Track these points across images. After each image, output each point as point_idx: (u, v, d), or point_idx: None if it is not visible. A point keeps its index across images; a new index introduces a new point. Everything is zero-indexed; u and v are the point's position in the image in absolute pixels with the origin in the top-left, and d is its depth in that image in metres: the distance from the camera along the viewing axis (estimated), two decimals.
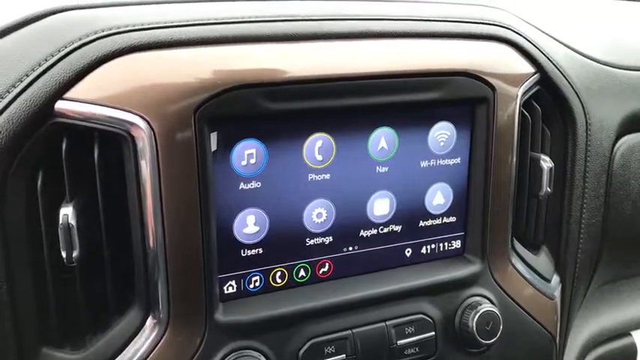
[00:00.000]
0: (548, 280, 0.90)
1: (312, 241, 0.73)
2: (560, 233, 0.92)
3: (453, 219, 0.81)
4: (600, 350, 1.12)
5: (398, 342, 0.75)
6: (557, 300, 0.91)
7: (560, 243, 0.92)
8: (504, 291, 0.83)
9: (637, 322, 1.16)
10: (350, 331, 0.73)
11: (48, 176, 0.63)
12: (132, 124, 0.61)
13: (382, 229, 0.76)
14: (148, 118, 0.61)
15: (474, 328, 0.77)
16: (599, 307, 1.13)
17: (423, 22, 0.75)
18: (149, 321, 0.66)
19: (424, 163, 0.77)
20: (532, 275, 0.87)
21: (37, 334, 0.65)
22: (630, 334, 1.15)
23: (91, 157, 0.63)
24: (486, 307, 0.78)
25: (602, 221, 0.97)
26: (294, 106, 0.67)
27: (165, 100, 0.61)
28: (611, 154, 0.95)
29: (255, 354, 0.68)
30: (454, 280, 0.79)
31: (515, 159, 0.81)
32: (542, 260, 0.91)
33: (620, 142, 0.97)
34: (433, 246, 0.80)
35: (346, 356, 0.72)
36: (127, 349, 0.66)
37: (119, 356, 0.66)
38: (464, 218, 0.81)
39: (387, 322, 0.75)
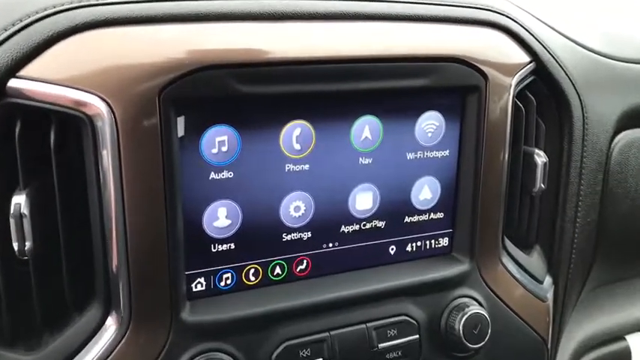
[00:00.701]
0: (541, 282, 0.86)
1: (288, 236, 0.68)
2: (553, 232, 0.88)
3: (440, 215, 0.76)
4: (594, 354, 1.08)
5: (379, 345, 0.70)
6: (550, 302, 0.87)
7: (554, 242, 0.88)
8: (494, 292, 0.78)
9: (632, 325, 1.12)
10: (328, 334, 0.68)
11: (0, 162, 0.58)
12: (90, 105, 0.56)
13: (365, 225, 0.72)
14: (108, 100, 0.56)
15: (461, 332, 0.72)
16: (593, 310, 1.09)
17: (412, 5, 0.70)
18: (109, 320, 0.61)
19: (410, 155, 0.72)
20: (523, 276, 0.83)
21: None
22: (625, 338, 1.11)
23: (47, 141, 0.58)
24: (474, 309, 0.73)
25: (597, 220, 0.93)
26: (269, 90, 0.62)
27: (128, 81, 0.57)
28: (609, 150, 0.91)
29: (225, 357, 0.63)
30: (440, 280, 0.74)
31: (507, 153, 0.76)
32: (535, 260, 0.87)
33: (618, 137, 0.93)
34: (419, 243, 0.76)
35: None
36: (85, 349, 0.61)
37: (76, 357, 0.61)
38: (452, 214, 0.76)
39: (368, 324, 0.70)
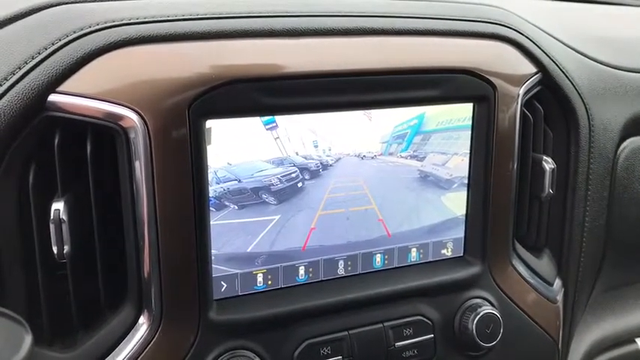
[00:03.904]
0: (551, 284, 0.89)
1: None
2: (562, 236, 0.91)
3: (454, 220, 0.79)
4: (604, 357, 1.10)
5: (396, 344, 0.73)
6: (560, 304, 0.90)
7: (563, 246, 0.91)
8: (505, 293, 0.81)
9: None
10: (347, 332, 0.71)
11: (40, 171, 0.62)
12: (125, 118, 0.60)
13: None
14: (141, 112, 0.60)
15: (474, 331, 0.75)
16: (603, 313, 1.11)
17: (425, 20, 0.74)
18: (141, 319, 0.65)
19: None
20: (534, 278, 0.86)
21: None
22: (635, 341, 1.13)
23: (84, 151, 0.62)
24: (486, 309, 0.76)
25: (605, 225, 0.96)
26: (291, 102, 0.66)
27: (159, 94, 0.61)
28: (615, 157, 0.94)
29: (250, 354, 0.67)
30: (454, 281, 0.77)
31: (516, 159, 0.79)
32: (545, 263, 0.90)
33: (624, 144, 0.96)
34: (433, 247, 0.79)
35: (342, 357, 0.71)
36: (118, 347, 0.64)
37: (110, 355, 0.64)
38: (464, 219, 0.80)
39: (385, 324, 0.73)
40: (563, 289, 0.92)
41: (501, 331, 0.77)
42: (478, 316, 0.75)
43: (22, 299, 0.63)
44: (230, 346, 0.67)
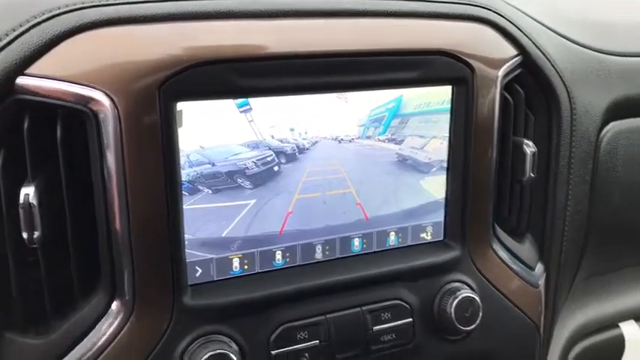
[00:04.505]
0: (532, 269, 0.88)
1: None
2: (544, 220, 0.91)
3: (433, 204, 0.79)
4: (587, 342, 1.10)
5: (374, 328, 0.73)
6: (542, 289, 0.89)
7: (545, 230, 0.91)
8: (485, 278, 0.81)
9: (625, 313, 1.14)
10: (324, 317, 0.71)
11: (10, 155, 0.61)
12: (94, 100, 0.59)
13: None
14: (111, 94, 0.59)
15: (452, 315, 0.75)
16: (586, 299, 1.11)
17: (402, 2, 0.73)
18: (114, 305, 0.64)
19: None
20: (515, 263, 0.85)
21: None
22: (618, 326, 1.13)
23: (54, 135, 0.61)
24: (465, 292, 0.76)
25: (588, 209, 0.95)
26: (265, 84, 0.65)
27: (129, 76, 0.60)
28: (597, 140, 0.93)
29: (225, 339, 0.66)
30: (433, 265, 0.77)
31: (496, 143, 0.79)
32: (526, 248, 0.89)
33: (606, 128, 0.95)
34: (412, 231, 0.78)
35: (320, 342, 0.70)
36: (91, 333, 0.64)
37: (83, 340, 0.64)
38: (444, 203, 0.79)
39: (363, 308, 0.73)
40: (545, 274, 0.92)
41: (480, 314, 0.76)
42: (457, 300, 0.75)
43: None
44: (205, 330, 0.66)
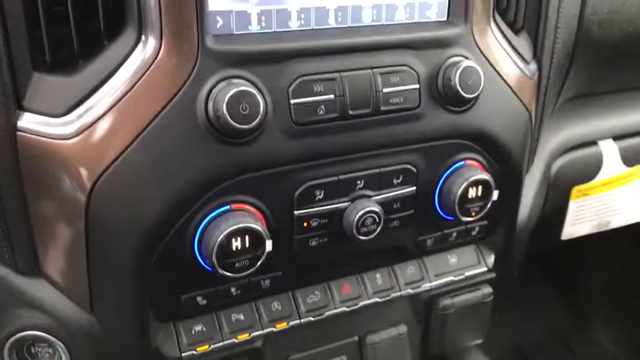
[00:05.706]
0: (527, 62, 0.93)
1: None
2: (538, 19, 0.95)
3: None
4: (569, 155, 1.17)
5: (384, 89, 0.77)
6: (535, 81, 0.94)
7: (539, 28, 0.95)
8: (485, 57, 0.85)
9: (604, 132, 1.21)
10: (338, 74, 0.74)
11: None
12: None
13: None
14: None
15: (457, 82, 0.79)
16: (571, 117, 1.17)
17: None
18: (142, 42, 0.66)
19: None
20: (512, 51, 0.89)
21: (29, 59, 0.66)
22: (597, 143, 1.20)
23: None
24: (469, 62, 0.80)
25: (578, 15, 0.99)
26: None
27: None
28: None
29: (246, 83, 0.69)
30: (438, 38, 0.80)
31: None
32: (522, 42, 0.93)
33: None
34: (419, 7, 0.81)
35: (335, 96, 0.74)
36: (120, 69, 0.66)
37: (112, 78, 0.66)
38: None
39: (374, 70, 0.76)
40: (537, 73, 0.96)
41: (482, 84, 0.80)
42: (461, 69, 0.79)
43: (23, 28, 0.64)
44: (228, 74, 0.69)
